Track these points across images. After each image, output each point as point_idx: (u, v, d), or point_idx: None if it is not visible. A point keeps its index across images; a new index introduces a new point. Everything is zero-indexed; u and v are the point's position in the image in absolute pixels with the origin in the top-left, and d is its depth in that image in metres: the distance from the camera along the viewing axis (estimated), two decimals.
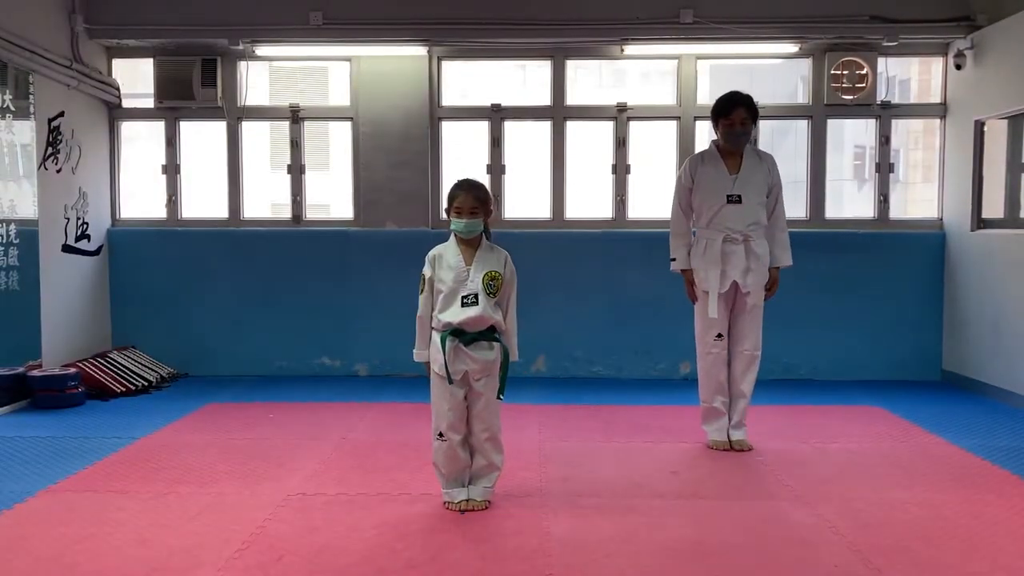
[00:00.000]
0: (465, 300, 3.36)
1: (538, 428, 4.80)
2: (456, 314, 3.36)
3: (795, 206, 6.38)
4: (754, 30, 6.09)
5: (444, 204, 3.52)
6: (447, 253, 3.44)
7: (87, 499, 3.58)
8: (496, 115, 6.51)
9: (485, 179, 6.52)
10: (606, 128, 6.56)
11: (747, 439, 4.41)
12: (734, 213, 4.28)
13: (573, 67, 6.63)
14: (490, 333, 3.42)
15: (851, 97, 6.29)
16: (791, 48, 6.31)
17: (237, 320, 6.52)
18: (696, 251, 4.39)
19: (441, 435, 3.44)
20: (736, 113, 4.24)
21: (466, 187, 3.43)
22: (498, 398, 3.45)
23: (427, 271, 3.45)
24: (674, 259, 4.44)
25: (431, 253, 3.48)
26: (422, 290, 3.46)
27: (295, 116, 6.56)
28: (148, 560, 2.93)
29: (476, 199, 3.40)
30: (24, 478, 3.88)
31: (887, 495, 3.64)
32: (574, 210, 6.60)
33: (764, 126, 6.57)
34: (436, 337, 3.43)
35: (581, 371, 6.46)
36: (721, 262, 4.28)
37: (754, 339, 4.38)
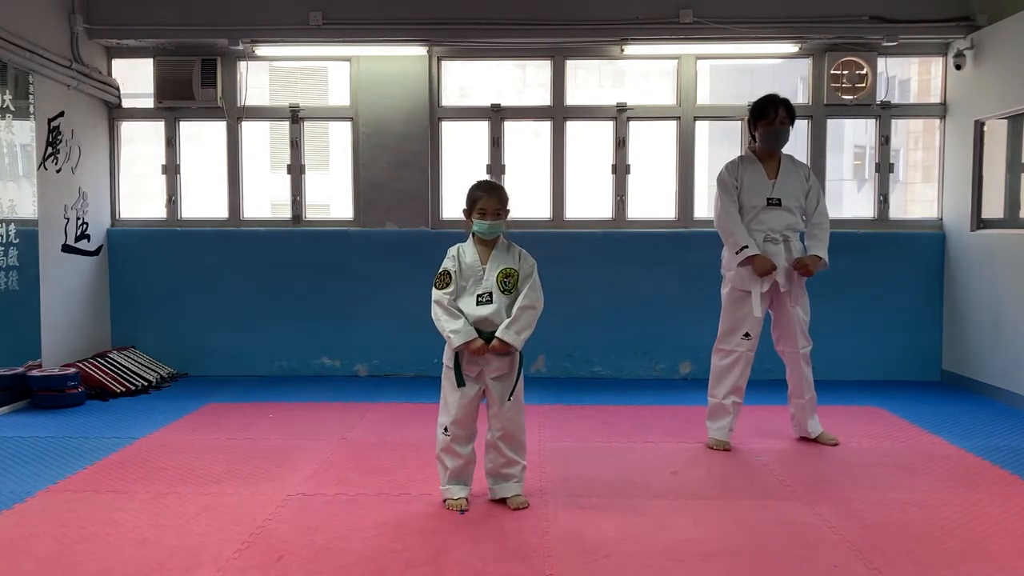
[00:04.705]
0: (480, 299, 3.38)
1: (538, 428, 4.80)
2: (471, 313, 3.37)
3: None
4: (754, 30, 6.09)
5: (463, 206, 3.50)
6: (466, 251, 3.46)
7: (87, 499, 3.58)
8: (496, 115, 6.51)
9: (485, 179, 6.52)
10: (606, 128, 6.56)
11: (826, 431, 4.52)
12: (773, 215, 4.32)
13: (573, 67, 6.63)
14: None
15: (851, 97, 6.30)
16: (791, 48, 6.31)
17: (237, 320, 6.52)
18: (727, 251, 4.41)
19: (446, 430, 3.45)
20: (777, 113, 4.31)
21: (489, 189, 3.46)
22: (508, 399, 3.44)
23: (451, 265, 3.42)
24: (745, 247, 4.26)
25: (453, 249, 3.48)
26: (444, 285, 3.39)
27: (295, 116, 6.56)
28: (148, 560, 2.93)
29: (500, 201, 3.42)
30: (24, 478, 3.88)
31: (887, 495, 3.64)
32: (574, 210, 6.60)
33: None
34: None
35: (581, 371, 6.46)
36: None
37: (801, 337, 4.40)
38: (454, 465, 3.47)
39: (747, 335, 4.35)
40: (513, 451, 3.49)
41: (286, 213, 6.66)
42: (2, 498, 3.59)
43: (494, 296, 3.39)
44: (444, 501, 3.49)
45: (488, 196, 3.42)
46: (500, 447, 3.48)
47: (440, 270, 3.44)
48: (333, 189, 8.05)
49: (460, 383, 3.39)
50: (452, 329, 3.34)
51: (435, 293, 3.42)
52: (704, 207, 6.94)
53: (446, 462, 3.48)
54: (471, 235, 3.50)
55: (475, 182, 3.56)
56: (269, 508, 3.45)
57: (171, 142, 6.64)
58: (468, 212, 3.48)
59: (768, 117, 4.33)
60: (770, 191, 4.33)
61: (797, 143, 7.24)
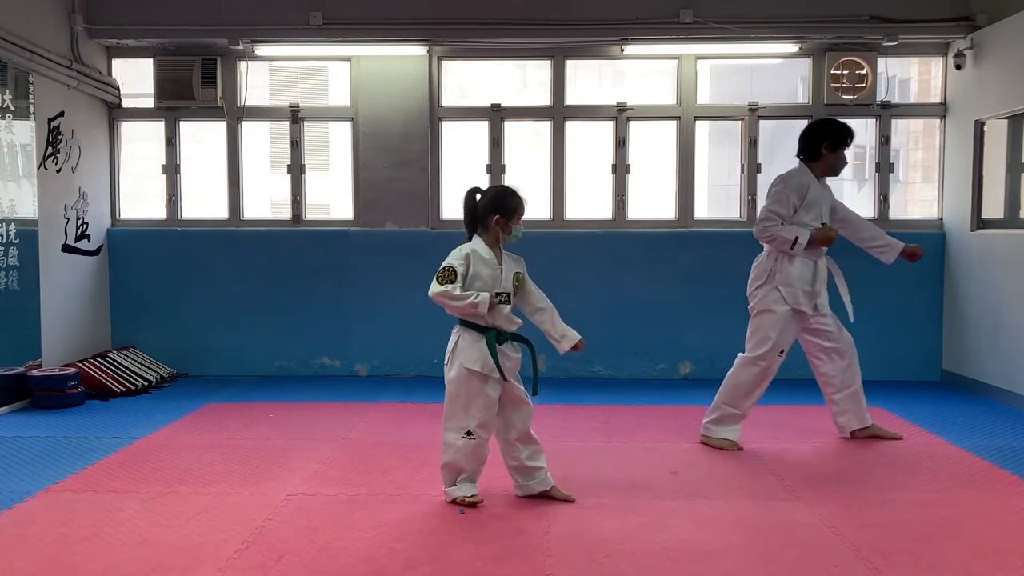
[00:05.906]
0: (500, 298, 3.44)
1: (538, 428, 4.77)
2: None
3: None
4: (754, 30, 6.09)
5: (495, 213, 3.46)
6: (481, 251, 3.47)
7: (87, 499, 3.58)
8: (496, 115, 6.51)
9: (485, 179, 6.52)
10: (606, 128, 6.55)
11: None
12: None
13: (573, 67, 6.63)
14: (516, 332, 3.56)
15: (851, 97, 6.29)
16: (791, 48, 6.31)
17: (237, 320, 6.52)
18: (789, 266, 4.34)
19: (470, 433, 3.44)
20: (851, 142, 4.41)
21: (521, 196, 3.56)
22: (533, 394, 3.54)
23: (459, 266, 3.40)
24: (797, 238, 4.31)
25: (465, 250, 3.46)
26: (450, 280, 3.36)
27: (295, 116, 6.56)
28: (148, 560, 2.93)
29: None
30: (24, 478, 3.88)
31: (887, 495, 3.65)
32: (574, 210, 6.59)
33: (764, 126, 6.57)
34: (478, 337, 3.43)
35: (581, 371, 6.46)
36: (815, 281, 4.37)
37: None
38: (475, 466, 3.51)
39: (782, 351, 4.41)
40: (537, 440, 3.60)
41: (286, 213, 6.66)
42: (2, 498, 3.59)
43: (511, 297, 3.49)
44: (455, 500, 3.48)
45: (523, 203, 3.55)
46: (531, 438, 3.57)
47: (445, 265, 3.41)
48: (333, 189, 8.07)
49: (504, 377, 3.43)
50: (474, 301, 3.35)
51: (438, 287, 3.37)
52: (704, 207, 6.94)
53: (465, 465, 3.48)
54: (480, 238, 3.49)
55: (505, 189, 3.57)
56: (269, 508, 3.46)
57: (171, 142, 6.63)
58: (506, 219, 3.48)
59: (848, 144, 4.39)
60: (826, 216, 4.44)
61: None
